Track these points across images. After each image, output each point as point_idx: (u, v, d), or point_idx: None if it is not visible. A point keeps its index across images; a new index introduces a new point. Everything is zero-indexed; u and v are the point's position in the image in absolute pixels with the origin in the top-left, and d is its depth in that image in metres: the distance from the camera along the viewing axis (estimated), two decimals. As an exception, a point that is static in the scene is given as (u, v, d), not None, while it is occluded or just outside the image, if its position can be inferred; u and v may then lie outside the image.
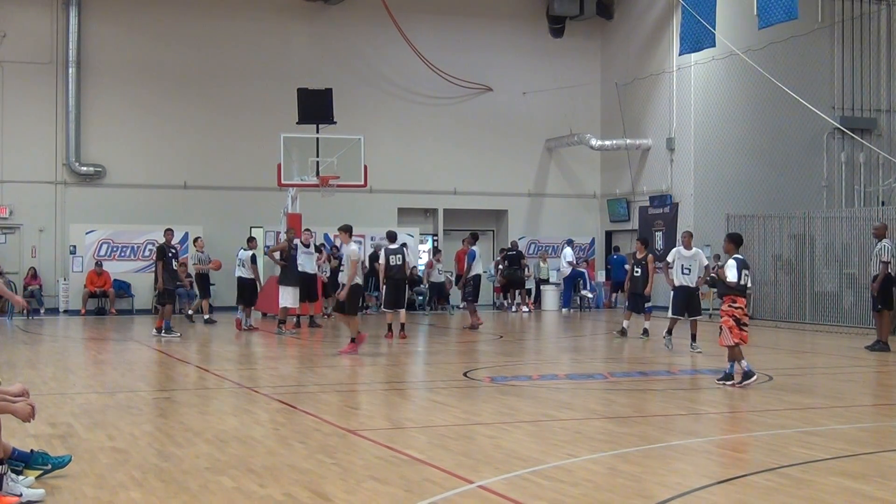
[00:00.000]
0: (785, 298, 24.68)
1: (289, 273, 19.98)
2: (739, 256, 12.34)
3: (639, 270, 18.64)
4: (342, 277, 16.42)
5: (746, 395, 11.64)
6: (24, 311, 24.85)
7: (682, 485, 6.91)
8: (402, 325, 18.85)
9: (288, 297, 19.88)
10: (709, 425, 9.67)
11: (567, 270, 28.50)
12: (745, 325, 12.17)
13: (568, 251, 28.81)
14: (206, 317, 22.84)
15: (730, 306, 12.10)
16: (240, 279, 21.34)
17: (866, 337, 18.75)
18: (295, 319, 20.93)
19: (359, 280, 16.18)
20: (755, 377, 12.05)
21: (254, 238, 22.89)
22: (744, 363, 12.11)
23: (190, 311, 23.82)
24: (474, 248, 22.60)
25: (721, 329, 12.17)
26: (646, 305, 18.86)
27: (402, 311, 18.95)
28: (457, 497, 6.57)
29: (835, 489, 6.79)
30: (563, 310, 28.06)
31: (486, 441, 8.47)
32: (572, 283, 28.58)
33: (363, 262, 20.83)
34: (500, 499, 6.52)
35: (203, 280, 23.71)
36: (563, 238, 31.04)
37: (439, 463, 7.54)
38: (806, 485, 6.90)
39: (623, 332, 18.88)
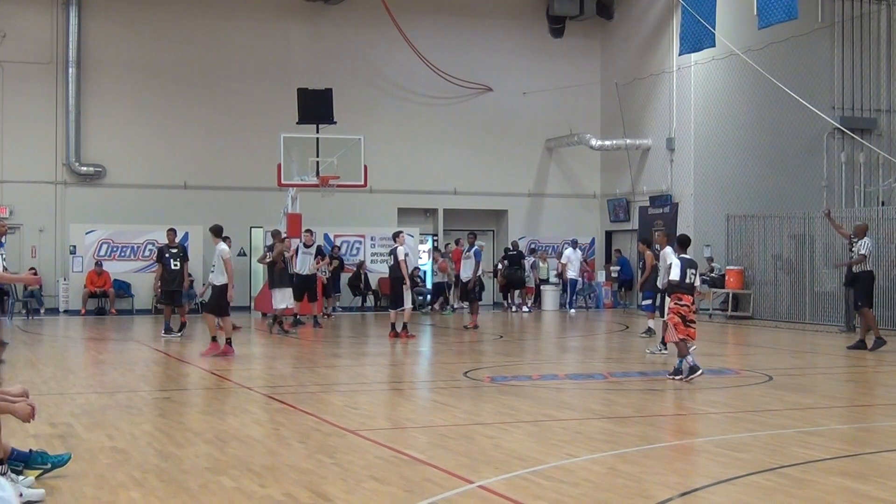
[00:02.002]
0: (785, 298, 24.66)
1: (284, 275, 20.05)
2: (686, 257, 13.05)
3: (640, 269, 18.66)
4: (212, 278, 16.02)
5: (746, 395, 11.65)
6: (27, 312, 24.89)
7: (682, 485, 6.91)
8: (405, 325, 18.85)
9: (285, 298, 19.95)
10: (709, 425, 9.67)
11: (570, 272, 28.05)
12: (692, 322, 12.74)
13: (567, 252, 28.40)
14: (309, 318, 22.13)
15: (675, 304, 12.71)
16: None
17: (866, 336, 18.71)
18: (292, 319, 20.92)
19: (225, 280, 15.82)
20: (700, 371, 12.47)
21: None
22: (689, 358, 12.58)
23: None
24: (478, 246, 23.09)
25: (666, 325, 12.91)
26: (645, 304, 18.80)
27: (406, 310, 18.93)
28: (457, 497, 6.57)
29: (835, 489, 6.79)
30: (571, 311, 27.64)
31: (486, 441, 8.47)
32: (574, 285, 28.19)
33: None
34: (500, 499, 6.52)
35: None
36: (562, 238, 31.06)
37: (439, 463, 7.54)
38: (806, 485, 6.91)
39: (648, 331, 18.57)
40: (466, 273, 23.13)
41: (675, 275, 12.73)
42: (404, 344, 17.97)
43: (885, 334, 20.41)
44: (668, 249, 15.50)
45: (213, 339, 15.66)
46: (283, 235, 21.16)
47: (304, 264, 21.38)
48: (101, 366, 15.28)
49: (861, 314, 17.53)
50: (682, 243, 13.38)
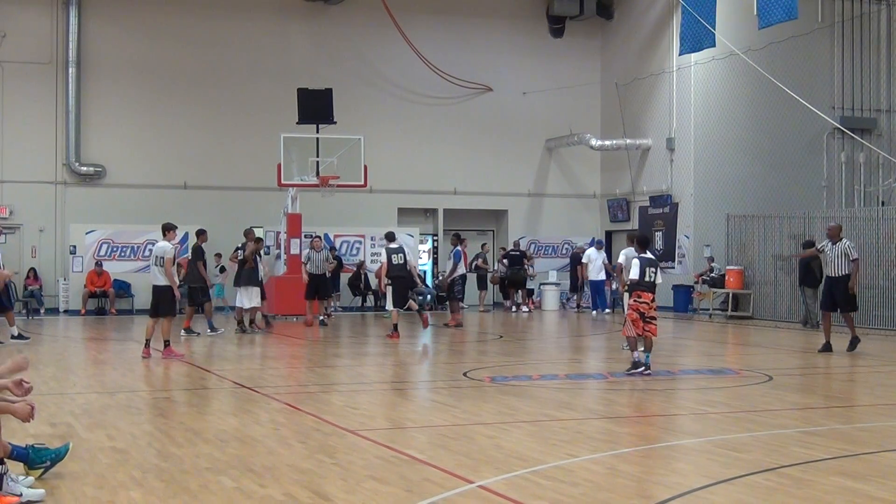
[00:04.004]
0: (785, 298, 24.64)
1: (253, 275, 20.03)
2: (645, 256, 13.43)
3: None
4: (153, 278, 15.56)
5: (746, 395, 11.65)
6: (27, 312, 24.88)
7: (682, 485, 6.91)
8: (395, 326, 18.76)
9: (252, 297, 19.96)
10: (709, 425, 9.67)
11: (599, 275, 26.80)
12: (653, 318, 13.26)
13: (589, 252, 27.22)
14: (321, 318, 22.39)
15: (635, 301, 13.21)
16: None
17: (866, 337, 18.70)
18: (260, 317, 20.96)
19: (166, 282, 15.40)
20: (640, 370, 12.96)
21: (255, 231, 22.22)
22: (635, 354, 13.12)
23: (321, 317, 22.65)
24: (458, 248, 23.39)
25: (625, 321, 13.38)
26: None
27: (395, 311, 18.93)
28: (457, 497, 6.57)
29: (835, 489, 6.79)
30: (594, 312, 26.68)
31: (486, 441, 8.47)
32: (597, 287, 27.46)
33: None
34: (500, 499, 6.53)
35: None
36: (562, 238, 31.09)
37: (439, 463, 7.54)
38: (806, 485, 6.91)
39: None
40: (450, 274, 23.75)
41: (634, 274, 13.19)
42: (394, 343, 17.96)
43: (886, 334, 20.52)
44: (629, 249, 15.67)
45: (166, 342, 15.41)
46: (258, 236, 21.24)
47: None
48: (101, 366, 15.28)
49: (847, 317, 16.82)
50: (641, 243, 13.73)
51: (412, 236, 28.06)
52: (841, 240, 16.50)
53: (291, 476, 7.14)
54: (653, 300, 13.28)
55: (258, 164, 27.21)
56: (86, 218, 26.84)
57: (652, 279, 13.23)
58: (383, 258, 18.96)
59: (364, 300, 28.34)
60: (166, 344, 15.37)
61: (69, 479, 6.97)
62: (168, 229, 15.80)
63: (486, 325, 23.15)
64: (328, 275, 24.52)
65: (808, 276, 22.04)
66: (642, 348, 13.31)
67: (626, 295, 13.99)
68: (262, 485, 6.88)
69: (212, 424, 9.37)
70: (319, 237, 23.13)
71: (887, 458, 8.03)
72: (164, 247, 15.41)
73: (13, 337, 17.54)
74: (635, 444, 8.44)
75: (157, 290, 15.45)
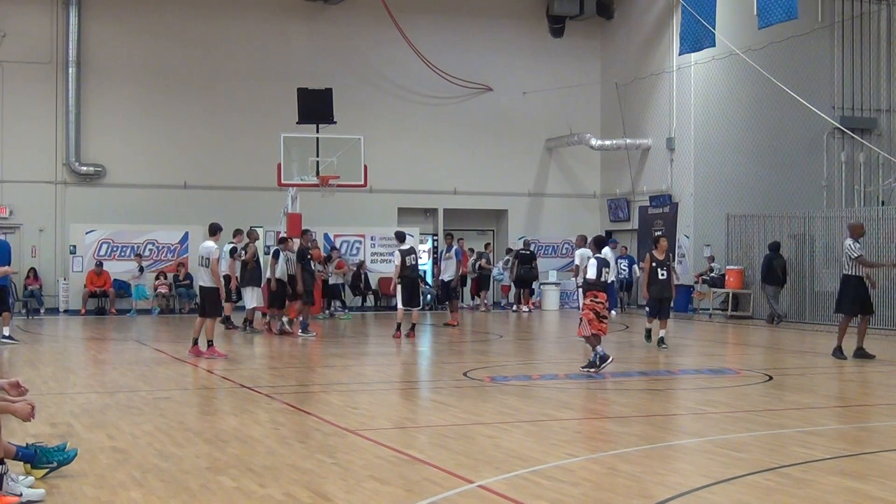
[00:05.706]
0: (785, 298, 24.65)
1: (255, 275, 19.98)
2: (600, 256, 13.78)
3: (664, 273, 17.24)
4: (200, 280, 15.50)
5: (746, 395, 11.65)
6: (27, 312, 24.87)
7: (682, 485, 6.91)
8: (413, 326, 18.85)
9: (255, 297, 19.93)
10: (709, 425, 9.67)
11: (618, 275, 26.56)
12: (605, 317, 13.64)
13: (605, 251, 26.67)
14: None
15: (591, 300, 13.52)
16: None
17: (866, 337, 18.61)
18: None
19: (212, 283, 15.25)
20: (611, 359, 13.28)
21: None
22: (599, 349, 13.35)
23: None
24: (457, 247, 23.95)
25: (581, 320, 13.61)
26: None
27: (415, 311, 18.97)
28: (457, 497, 6.57)
29: (835, 489, 6.79)
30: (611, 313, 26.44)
31: (486, 441, 8.47)
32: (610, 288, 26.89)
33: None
34: (500, 499, 6.53)
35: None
36: (562, 238, 31.09)
37: (439, 463, 7.54)
38: (806, 485, 6.91)
39: (649, 336, 17.47)
40: (448, 274, 24.13)
41: (591, 274, 13.54)
42: (412, 343, 18.01)
43: (886, 333, 20.53)
44: (585, 250, 16.13)
45: (209, 342, 15.32)
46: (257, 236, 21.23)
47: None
48: (101, 366, 15.28)
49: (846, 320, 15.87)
50: (597, 244, 14.08)
51: (412, 236, 28.02)
52: (857, 239, 15.47)
53: (291, 476, 7.14)
54: (606, 299, 13.76)
55: (258, 164, 27.21)
56: (86, 218, 26.85)
57: (606, 279, 13.70)
58: (397, 260, 18.77)
59: (364, 300, 28.32)
60: (210, 344, 15.27)
61: (69, 479, 6.97)
62: (216, 230, 15.72)
63: (486, 325, 23.15)
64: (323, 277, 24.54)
65: (770, 274, 22.31)
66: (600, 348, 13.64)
67: (581, 294, 14.31)
68: (262, 485, 6.88)
69: (212, 424, 9.37)
70: (288, 239, 22.42)
71: (887, 458, 8.03)
72: (210, 247, 15.29)
73: (3, 337, 17.43)
74: (635, 444, 8.44)
75: (203, 291, 15.49)
